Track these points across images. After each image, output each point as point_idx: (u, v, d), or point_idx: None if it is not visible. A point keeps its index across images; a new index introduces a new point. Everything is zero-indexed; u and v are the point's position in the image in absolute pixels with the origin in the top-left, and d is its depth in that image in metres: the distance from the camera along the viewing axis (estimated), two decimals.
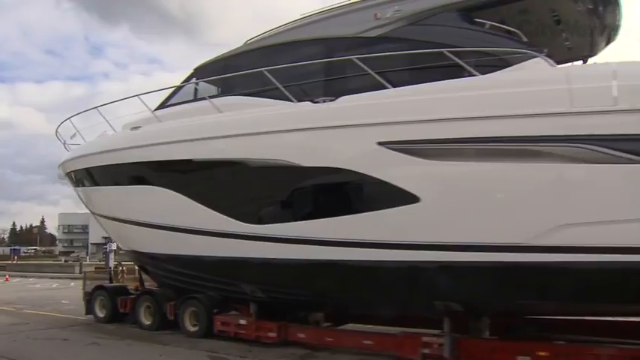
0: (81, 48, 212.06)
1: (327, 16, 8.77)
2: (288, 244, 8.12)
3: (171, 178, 9.62)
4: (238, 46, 10.05)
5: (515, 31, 7.27)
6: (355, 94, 7.74)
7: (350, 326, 9.87)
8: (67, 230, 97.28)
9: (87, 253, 69.63)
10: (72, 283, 27.81)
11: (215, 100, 9.31)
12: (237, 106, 9.01)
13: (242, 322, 9.82)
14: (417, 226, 7.04)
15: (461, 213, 6.75)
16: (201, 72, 10.25)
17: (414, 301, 7.67)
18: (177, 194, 9.44)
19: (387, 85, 7.45)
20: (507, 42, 7.19)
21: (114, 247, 40.69)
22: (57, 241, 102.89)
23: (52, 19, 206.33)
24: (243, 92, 9.25)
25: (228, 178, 8.83)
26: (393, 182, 7.16)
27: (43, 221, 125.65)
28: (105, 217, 11.69)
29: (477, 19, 7.42)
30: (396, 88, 7.40)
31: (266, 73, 8.46)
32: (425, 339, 7.89)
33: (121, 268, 26.17)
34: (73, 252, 75.85)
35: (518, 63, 6.93)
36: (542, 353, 7.05)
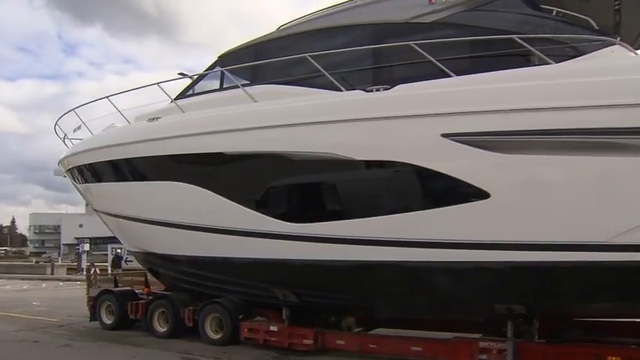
0: (54, 46, 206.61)
1: (374, 0, 8.22)
2: (336, 245, 7.51)
3: (199, 173, 8.90)
4: (250, 39, 9.43)
5: (586, 18, 6.87)
6: (413, 83, 7.19)
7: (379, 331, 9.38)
8: (38, 231, 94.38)
9: (59, 254, 67.34)
10: (43, 284, 27.33)
11: (248, 89, 8.64)
12: (274, 95, 8.37)
13: (273, 328, 9.17)
14: (487, 225, 6.55)
15: (535, 210, 6.28)
16: (227, 59, 9.56)
17: (474, 303, 7.19)
18: (205, 191, 8.72)
19: (449, 73, 6.94)
20: (578, 30, 6.79)
21: (87, 247, 39.73)
22: (28, 242, 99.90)
23: (24, 17, 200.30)
24: (279, 81, 8.61)
25: (267, 173, 8.17)
26: (460, 177, 6.65)
27: (13, 221, 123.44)
28: (112, 215, 10.89)
29: (543, 6, 7.00)
30: (460, 77, 6.89)
31: (310, 59, 7.84)
32: (482, 344, 7.42)
33: (93, 270, 25.32)
34: (45, 253, 73.33)
35: (593, 51, 6.52)
36: (613, 358, 6.67)
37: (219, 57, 9.77)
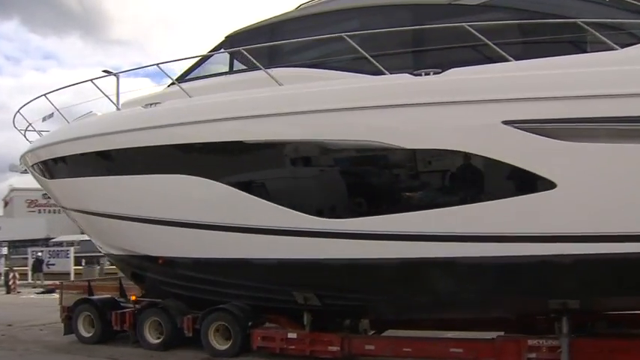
0: None
1: None
2: (381, 242, 6.93)
3: (214, 164, 7.99)
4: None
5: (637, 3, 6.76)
6: (467, 67, 6.76)
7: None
8: None
9: None
10: None
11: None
12: (300, 78, 7.64)
13: (292, 335, 8.40)
14: (553, 216, 6.23)
15: (604, 200, 6.03)
16: (236, 40, 8.69)
17: (530, 299, 6.88)
18: (222, 185, 7.83)
19: (507, 57, 6.57)
20: (632, 16, 6.66)
21: (4, 251, 36.43)
22: None
23: None
24: (303, 63, 7.91)
25: (298, 164, 7.46)
26: (524, 166, 6.29)
27: None
28: (90, 213, 9.64)
29: None
30: (518, 62, 6.55)
31: (347, 38, 7.19)
32: (530, 342, 7.11)
33: (12, 274, 23.14)
34: None
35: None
36: None
37: (225, 37, 8.88)
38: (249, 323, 8.68)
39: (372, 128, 6.90)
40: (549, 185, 6.18)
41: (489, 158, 6.42)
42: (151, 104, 8.62)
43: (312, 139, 7.24)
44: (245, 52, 7.94)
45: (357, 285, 7.42)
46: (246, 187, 7.70)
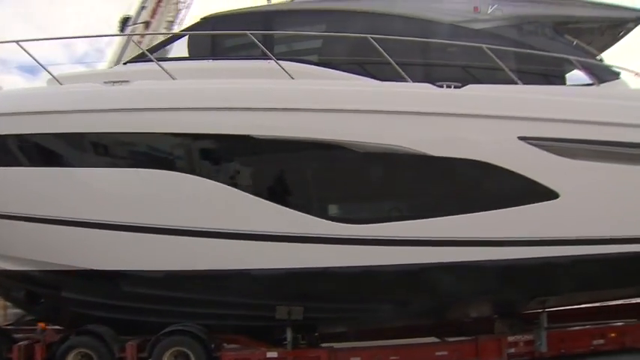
0: None
1: None
2: (400, 247, 6.89)
3: (209, 159, 6.88)
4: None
5: (596, 52, 8.26)
6: (483, 85, 7.32)
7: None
8: None
9: None
10: None
11: (264, 63, 7.13)
12: (310, 75, 7.19)
13: (271, 354, 7.57)
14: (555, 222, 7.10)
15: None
16: (218, 23, 7.67)
17: (519, 298, 7.63)
18: (218, 184, 6.79)
19: (516, 80, 7.33)
20: (591, 60, 8.10)
21: None
22: None
23: None
24: (306, 60, 7.44)
25: (316, 165, 6.94)
26: (534, 178, 7.04)
27: None
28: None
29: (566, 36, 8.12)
30: (527, 85, 7.36)
31: (373, 42, 7.07)
32: (510, 339, 7.85)
33: None
34: None
35: (612, 80, 7.89)
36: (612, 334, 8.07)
37: (203, 19, 7.76)
38: (212, 346, 7.56)
39: (397, 133, 6.89)
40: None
41: (506, 169, 6.99)
42: (114, 82, 6.96)
43: (335, 139, 6.83)
44: (254, 38, 7.08)
45: (365, 292, 7.18)
46: (252, 188, 6.81)
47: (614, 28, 8.36)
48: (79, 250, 7.18)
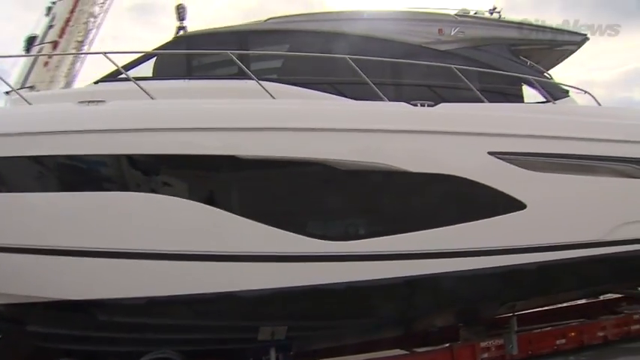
0: None
1: (389, 17, 8.28)
2: (385, 262, 7.06)
3: (193, 182, 6.71)
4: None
5: (545, 71, 8.94)
6: (454, 103, 7.72)
7: None
8: None
9: None
10: None
11: (240, 83, 7.13)
12: (288, 95, 7.25)
13: None
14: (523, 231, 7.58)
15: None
16: (192, 42, 7.58)
17: (491, 305, 8.04)
18: (203, 206, 6.60)
19: (482, 98, 7.79)
20: (546, 79, 8.77)
21: None
22: None
23: None
24: (281, 79, 7.48)
25: (299, 183, 6.94)
26: (503, 190, 7.48)
27: None
28: None
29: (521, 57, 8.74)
30: (492, 103, 7.84)
31: (351, 62, 7.25)
32: (483, 344, 8.23)
33: None
34: None
35: (563, 98, 8.58)
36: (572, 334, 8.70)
37: (176, 37, 7.63)
38: None
39: (382, 151, 7.09)
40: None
41: (479, 183, 7.39)
42: (89, 102, 6.65)
43: (316, 158, 6.90)
44: (234, 57, 7.03)
45: (347, 308, 7.27)
46: (237, 208, 6.72)
47: (561, 49, 9.11)
48: (50, 280, 6.73)
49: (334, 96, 7.59)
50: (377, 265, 7.05)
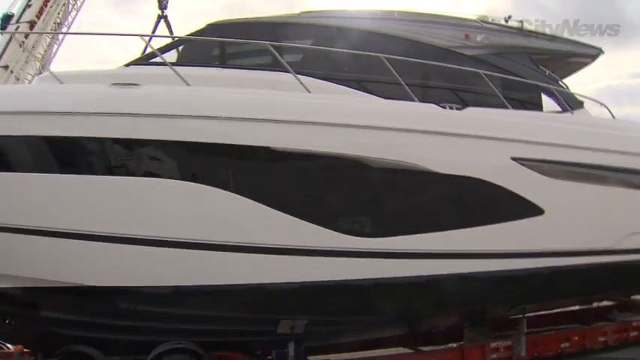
0: None
1: (418, 19, 8.35)
2: (410, 260, 7.15)
3: (224, 171, 6.62)
4: None
5: (562, 82, 9.19)
6: (481, 108, 7.86)
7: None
8: None
9: None
10: None
11: (289, 77, 7.08)
12: (323, 90, 7.25)
13: None
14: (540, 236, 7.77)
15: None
16: (224, 31, 7.47)
17: (503, 306, 8.24)
18: (230, 195, 6.55)
19: (507, 105, 7.96)
20: (564, 89, 9.02)
21: None
22: None
23: None
24: (316, 74, 7.46)
25: (330, 178, 6.95)
26: (524, 195, 7.66)
27: None
28: None
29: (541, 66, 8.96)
30: (516, 110, 8.02)
31: (385, 61, 7.30)
32: (492, 344, 8.41)
33: None
34: None
35: (579, 108, 8.84)
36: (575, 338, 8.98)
37: (208, 25, 7.50)
38: None
39: (412, 151, 7.16)
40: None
41: (502, 187, 7.54)
42: (122, 84, 6.49)
43: (350, 154, 6.90)
44: (272, 49, 6.98)
45: (374, 305, 7.32)
46: (262, 198, 6.66)
47: (577, 61, 9.39)
48: (71, 265, 6.56)
49: (361, 92, 7.61)
50: (401, 262, 7.13)
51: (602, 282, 8.46)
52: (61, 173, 6.37)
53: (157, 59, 7.20)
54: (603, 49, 9.41)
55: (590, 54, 9.37)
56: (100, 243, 6.43)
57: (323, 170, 6.98)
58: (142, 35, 6.71)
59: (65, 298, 6.75)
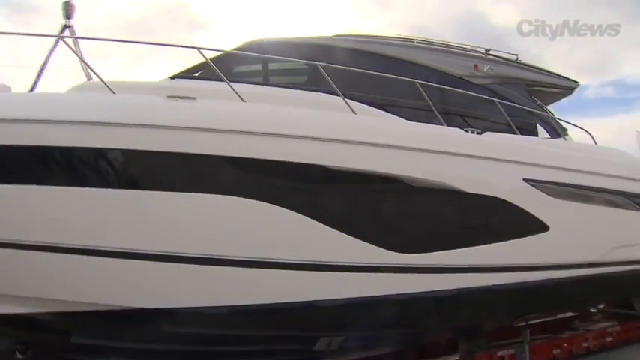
0: None
1: (435, 48, 8.91)
2: (443, 274, 7.57)
3: (280, 189, 6.63)
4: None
5: (550, 112, 10.18)
6: (497, 133, 8.52)
7: None
8: None
9: None
10: None
11: (332, 98, 7.29)
12: (368, 114, 7.57)
13: None
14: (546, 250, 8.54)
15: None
16: (265, 48, 7.53)
17: (509, 316, 8.89)
18: (287, 212, 6.60)
19: (515, 130, 8.72)
20: (554, 117, 10.01)
21: None
22: None
23: None
24: (356, 97, 7.72)
25: (377, 197, 7.20)
26: (533, 213, 8.40)
27: None
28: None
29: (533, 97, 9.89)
30: (525, 136, 8.81)
31: (420, 88, 7.78)
32: (500, 353, 9.01)
33: None
34: None
35: (566, 135, 9.86)
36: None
37: (248, 43, 7.51)
38: None
39: (445, 171, 7.62)
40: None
41: (516, 206, 8.23)
42: (181, 97, 6.32)
43: (396, 174, 7.23)
44: (323, 71, 7.14)
45: (416, 318, 7.64)
46: (322, 217, 6.77)
47: (560, 91, 10.47)
48: (107, 285, 6.22)
49: (392, 115, 7.99)
50: (437, 277, 7.51)
51: (595, 291, 9.44)
52: (102, 188, 6.06)
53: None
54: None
55: (571, 86, 10.51)
56: (144, 262, 6.18)
57: (370, 189, 7.22)
58: (198, 48, 6.51)
59: (98, 322, 6.39)
